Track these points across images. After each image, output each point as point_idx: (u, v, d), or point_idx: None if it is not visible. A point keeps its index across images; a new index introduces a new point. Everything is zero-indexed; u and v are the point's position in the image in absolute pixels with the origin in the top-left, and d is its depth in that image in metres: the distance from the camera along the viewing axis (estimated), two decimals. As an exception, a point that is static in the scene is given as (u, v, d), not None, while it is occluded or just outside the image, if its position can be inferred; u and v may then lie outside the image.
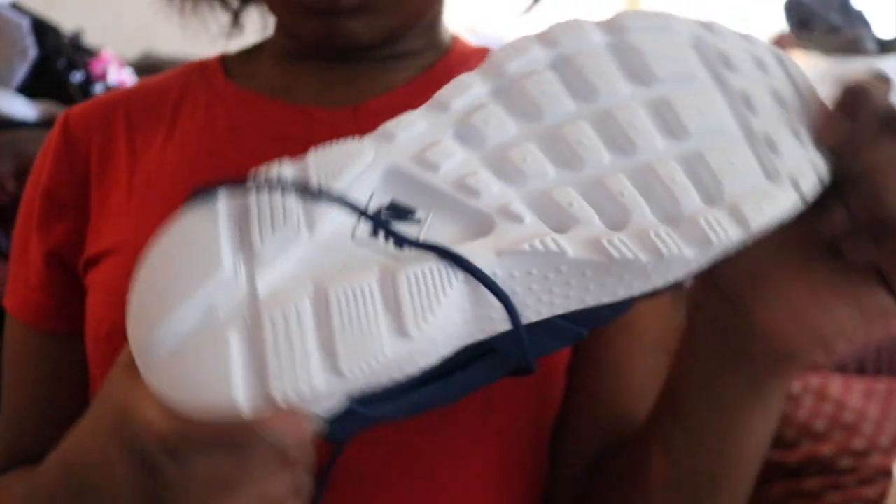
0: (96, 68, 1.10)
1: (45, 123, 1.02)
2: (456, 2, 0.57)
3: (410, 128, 0.36)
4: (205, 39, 0.62)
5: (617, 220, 0.34)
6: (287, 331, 0.31)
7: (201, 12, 0.60)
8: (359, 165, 0.35)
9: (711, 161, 0.35)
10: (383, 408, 0.33)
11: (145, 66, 1.41)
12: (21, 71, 1.02)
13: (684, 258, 0.33)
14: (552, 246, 0.32)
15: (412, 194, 0.35)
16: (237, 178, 0.34)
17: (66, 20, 1.18)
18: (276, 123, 0.51)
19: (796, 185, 0.35)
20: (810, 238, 0.37)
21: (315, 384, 0.30)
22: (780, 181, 0.35)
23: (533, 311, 0.34)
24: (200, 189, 0.34)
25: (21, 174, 0.93)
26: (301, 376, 0.30)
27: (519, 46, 0.38)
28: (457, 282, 0.32)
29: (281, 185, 0.34)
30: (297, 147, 0.39)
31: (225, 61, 0.58)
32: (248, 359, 0.31)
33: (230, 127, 0.52)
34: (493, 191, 0.34)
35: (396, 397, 0.33)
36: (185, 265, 0.33)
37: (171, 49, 1.49)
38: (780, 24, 1.80)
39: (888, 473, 0.92)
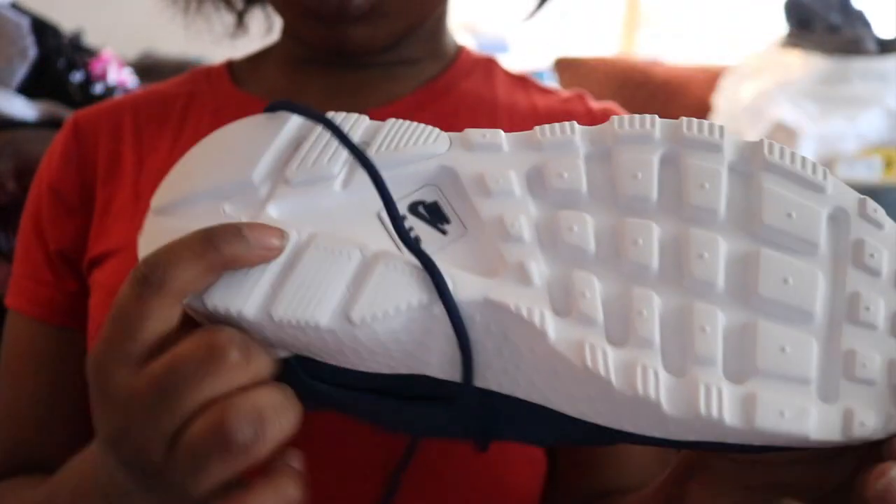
0: (96, 68, 1.10)
1: (44, 123, 1.02)
2: (456, 2, 0.57)
3: (491, 147, 0.34)
4: (205, 40, 0.62)
5: (618, 334, 0.30)
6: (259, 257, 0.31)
7: (205, 13, 0.60)
8: (425, 153, 0.34)
9: (761, 337, 0.30)
10: (318, 385, 0.32)
11: (145, 66, 1.41)
12: (21, 71, 1.02)
13: (660, 413, 0.29)
14: (536, 320, 0.30)
15: (455, 208, 0.34)
16: (315, 111, 0.35)
17: (66, 20, 1.18)
18: None
19: (845, 422, 0.29)
20: (786, 481, 0.33)
21: (245, 311, 0.30)
22: (829, 405, 0.30)
23: (494, 378, 0.32)
24: (279, 104, 0.35)
25: (21, 174, 0.93)
26: (238, 297, 0.31)
27: (643, 122, 0.34)
28: (424, 305, 0.31)
29: (343, 136, 0.34)
30: None
31: (231, 67, 0.58)
32: None
33: None
34: (523, 243, 0.32)
35: (331, 381, 0.32)
36: (229, 156, 0.34)
37: (172, 49, 1.49)
38: (780, 24, 1.80)
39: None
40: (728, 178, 0.32)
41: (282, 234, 0.31)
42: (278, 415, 0.29)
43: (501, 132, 0.34)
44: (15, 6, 1.05)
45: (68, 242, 0.54)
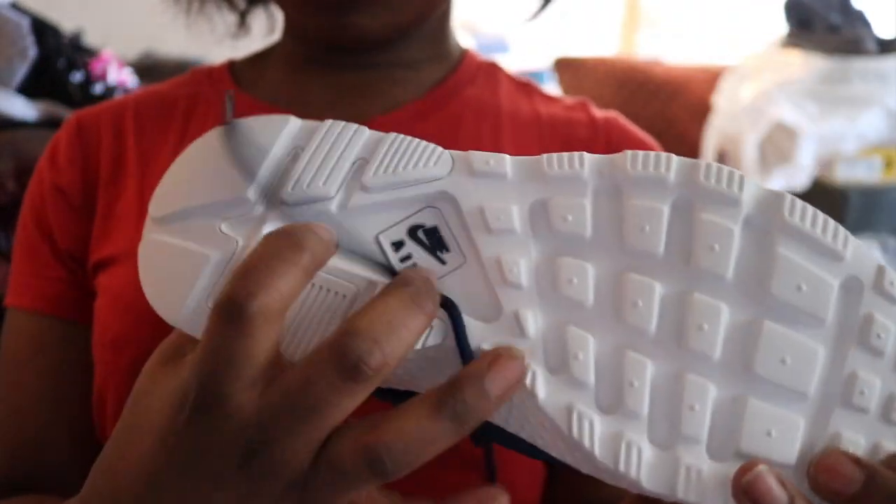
0: (96, 68, 1.10)
1: (45, 123, 1.02)
2: (456, 2, 0.57)
3: (495, 175, 0.32)
4: (206, 40, 0.62)
5: (608, 402, 0.30)
6: None
7: (207, 13, 0.60)
8: (426, 176, 0.33)
9: (749, 417, 0.30)
10: None
11: (145, 66, 1.41)
12: (21, 71, 1.02)
13: (637, 485, 0.30)
14: (528, 380, 0.30)
15: (455, 237, 0.33)
16: (314, 119, 0.34)
17: (66, 20, 1.18)
18: None
19: None
20: None
21: None
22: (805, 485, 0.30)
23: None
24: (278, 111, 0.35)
25: (21, 174, 0.93)
26: None
27: (658, 163, 0.31)
28: (437, 343, 0.31)
29: (343, 148, 0.33)
30: None
31: (233, 68, 0.58)
32: (214, 284, 0.31)
33: None
34: (521, 290, 0.31)
35: None
36: (225, 165, 0.33)
37: (172, 49, 1.49)
38: (780, 24, 1.80)
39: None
40: (741, 238, 0.31)
41: (325, 228, 0.30)
42: (427, 435, 0.28)
43: (507, 158, 0.33)
44: (15, 6, 1.05)
45: (75, 242, 0.54)
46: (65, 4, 1.35)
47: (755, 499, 0.29)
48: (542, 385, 0.30)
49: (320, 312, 0.31)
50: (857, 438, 0.30)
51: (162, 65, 1.47)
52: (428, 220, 0.33)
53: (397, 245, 0.33)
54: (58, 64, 1.05)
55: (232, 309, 0.28)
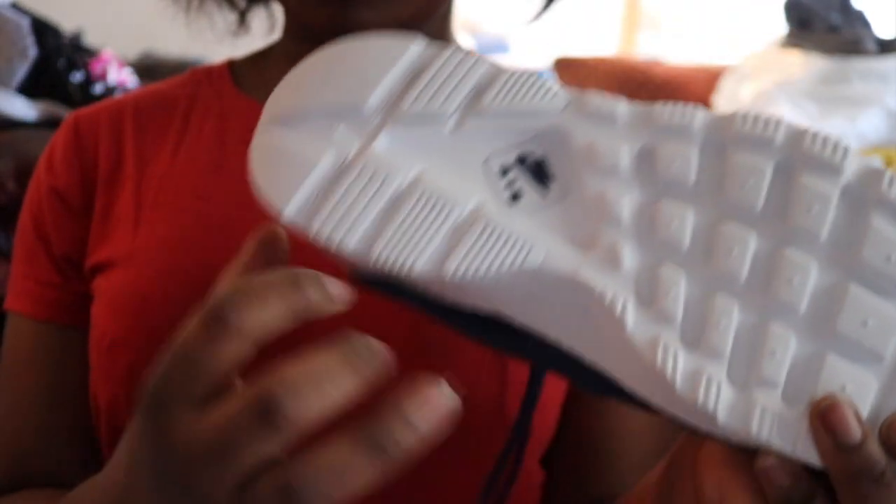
0: (96, 68, 1.10)
1: (45, 123, 1.02)
2: (456, 2, 0.57)
3: (607, 117, 0.34)
4: (206, 39, 0.62)
5: (693, 339, 0.31)
6: (362, 191, 0.33)
7: (207, 12, 0.60)
8: (541, 109, 0.34)
9: (827, 371, 0.31)
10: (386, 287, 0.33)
11: (145, 66, 1.41)
12: (21, 71, 1.02)
13: (713, 419, 0.31)
14: (618, 309, 0.31)
15: (561, 170, 0.34)
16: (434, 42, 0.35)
17: (66, 20, 1.18)
18: None
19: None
20: None
21: (346, 244, 0.32)
22: None
23: (564, 335, 0.33)
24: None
25: (21, 174, 0.93)
26: (341, 231, 0.32)
27: (767, 125, 0.32)
28: (524, 267, 0.32)
29: (463, 74, 0.34)
30: None
31: (232, 68, 0.57)
32: (319, 189, 0.33)
33: (240, 140, 0.52)
34: (620, 225, 0.32)
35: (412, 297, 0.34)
36: (348, 73, 0.35)
37: (172, 49, 1.49)
38: (780, 24, 1.80)
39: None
40: (838, 205, 0.32)
41: (339, 284, 0.30)
42: (346, 469, 0.28)
43: (621, 103, 0.34)
44: (15, 6, 1.05)
45: (72, 245, 0.53)
46: (65, 4, 1.35)
47: (831, 425, 0.29)
48: (631, 315, 0.31)
49: (425, 225, 0.32)
50: None
51: (162, 65, 1.47)
52: (538, 149, 0.34)
53: (504, 171, 0.34)
54: (58, 64, 1.05)
55: (215, 314, 0.28)
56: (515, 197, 0.34)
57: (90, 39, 1.21)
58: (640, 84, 1.92)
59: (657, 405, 0.32)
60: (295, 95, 0.35)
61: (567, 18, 2.51)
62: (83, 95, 1.08)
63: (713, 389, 0.31)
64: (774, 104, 1.65)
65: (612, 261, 0.32)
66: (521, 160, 0.34)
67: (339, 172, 0.33)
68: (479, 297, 0.33)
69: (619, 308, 0.31)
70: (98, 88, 1.09)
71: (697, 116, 0.33)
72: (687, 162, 0.33)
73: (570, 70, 2.02)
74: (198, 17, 0.60)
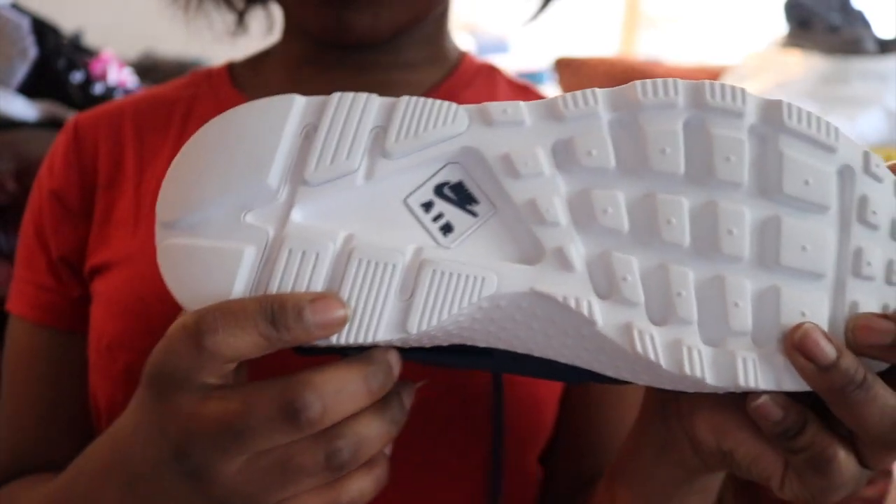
0: (96, 68, 1.10)
1: (45, 123, 1.02)
2: (456, 2, 0.57)
3: (513, 123, 0.33)
4: (205, 40, 0.62)
5: (660, 314, 0.32)
6: (298, 270, 0.31)
7: (206, 13, 0.60)
8: (445, 134, 0.33)
9: (784, 303, 0.32)
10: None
11: (145, 66, 1.41)
12: (21, 71, 1.02)
13: (702, 383, 0.32)
14: (585, 310, 0.32)
15: (482, 187, 0.34)
16: (321, 96, 0.34)
17: (66, 20, 1.18)
18: None
19: None
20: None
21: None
22: None
23: (537, 349, 0.34)
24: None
25: (21, 174, 0.93)
26: None
27: (666, 89, 0.33)
28: (482, 298, 0.31)
29: (358, 119, 0.33)
30: None
31: (232, 69, 0.58)
32: (253, 280, 0.31)
33: None
34: (559, 227, 0.33)
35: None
36: (236, 155, 0.32)
37: (172, 49, 1.49)
38: (780, 24, 1.80)
39: (888, 473, 0.92)
40: (750, 146, 0.33)
41: (344, 304, 0.31)
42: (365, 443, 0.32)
43: (522, 104, 0.33)
44: (15, 6, 1.05)
45: (70, 248, 0.53)
46: (65, 4, 1.35)
47: (808, 353, 0.31)
48: (598, 312, 0.32)
49: (374, 292, 0.31)
50: (869, 303, 0.33)
51: (162, 65, 1.47)
52: (452, 175, 0.34)
53: (427, 206, 0.33)
54: (58, 64, 1.05)
55: (192, 330, 0.30)
56: (447, 229, 0.33)
57: (90, 39, 1.21)
58: (640, 84, 1.92)
59: (644, 383, 0.33)
60: (186, 195, 0.32)
61: (567, 18, 2.51)
62: (83, 95, 1.07)
63: (695, 356, 0.32)
64: (774, 104, 1.65)
65: (562, 264, 0.32)
66: (439, 191, 0.33)
67: (266, 263, 0.31)
68: (443, 337, 0.33)
69: (585, 308, 0.32)
70: (98, 88, 1.09)
71: (599, 97, 0.33)
72: (603, 146, 0.33)
73: (570, 70, 2.01)
74: (197, 17, 0.60)
